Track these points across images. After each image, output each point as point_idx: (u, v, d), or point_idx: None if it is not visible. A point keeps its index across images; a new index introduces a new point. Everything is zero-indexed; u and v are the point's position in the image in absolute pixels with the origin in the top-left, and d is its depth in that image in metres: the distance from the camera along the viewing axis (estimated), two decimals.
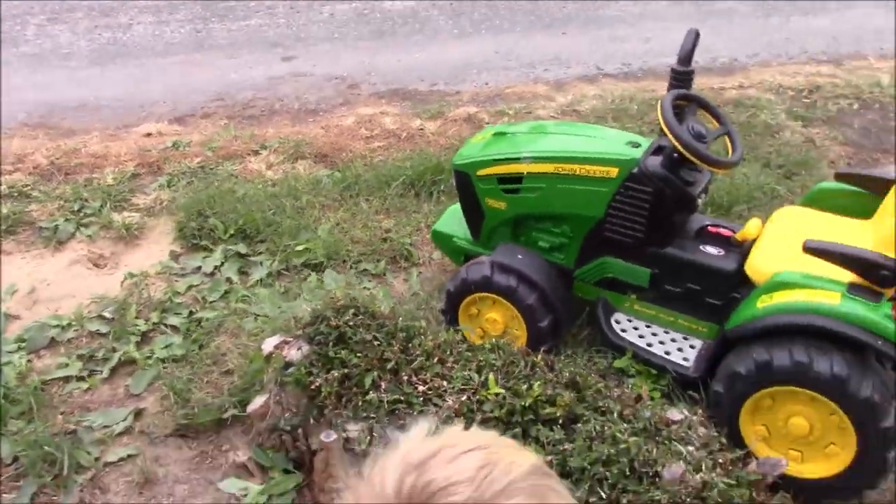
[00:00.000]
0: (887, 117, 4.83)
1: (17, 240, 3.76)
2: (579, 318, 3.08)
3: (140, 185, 4.17)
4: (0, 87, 5.09)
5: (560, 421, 2.45)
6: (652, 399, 2.60)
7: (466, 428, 0.95)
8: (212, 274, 3.55)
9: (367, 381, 2.55)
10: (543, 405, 2.48)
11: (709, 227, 2.90)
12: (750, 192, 3.90)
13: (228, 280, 3.50)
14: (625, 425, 2.41)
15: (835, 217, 2.81)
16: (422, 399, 2.54)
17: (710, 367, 2.69)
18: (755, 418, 2.55)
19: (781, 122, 4.65)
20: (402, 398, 2.53)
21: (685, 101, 2.78)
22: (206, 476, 2.69)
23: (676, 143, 2.60)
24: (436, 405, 2.53)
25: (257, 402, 2.69)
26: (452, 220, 3.31)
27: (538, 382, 2.51)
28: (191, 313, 3.34)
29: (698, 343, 2.85)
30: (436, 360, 2.63)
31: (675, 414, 2.52)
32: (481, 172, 2.97)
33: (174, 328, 3.26)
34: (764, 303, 2.48)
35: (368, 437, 2.48)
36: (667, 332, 2.90)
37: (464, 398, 2.51)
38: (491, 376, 2.53)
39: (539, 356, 2.65)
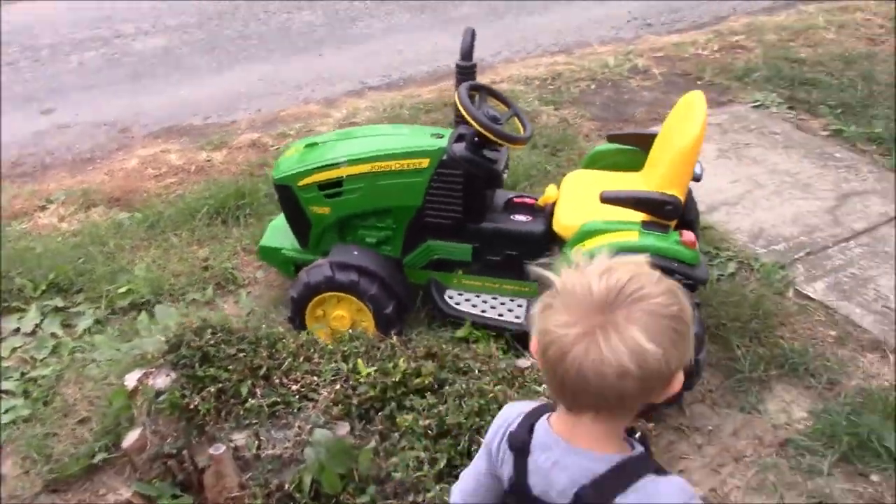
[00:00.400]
0: (620, 92, 5.52)
1: None
2: (415, 302, 3.33)
3: None
4: None
5: (429, 388, 2.71)
6: (502, 354, 2.92)
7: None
8: (33, 333, 3.44)
9: (244, 390, 2.66)
10: (411, 377, 2.72)
11: (514, 199, 3.27)
12: (526, 171, 4.35)
13: (53, 335, 3.41)
14: (487, 378, 2.71)
15: (613, 173, 3.27)
16: (297, 397, 2.69)
17: None
18: None
19: (536, 108, 5.18)
20: (279, 400, 2.67)
21: (475, 91, 3.12)
22: None
23: (478, 127, 2.93)
24: (312, 399, 2.69)
25: (132, 437, 2.69)
26: (276, 233, 3.45)
27: (402, 359, 2.75)
28: (23, 374, 3.23)
29: (524, 301, 3.20)
30: (302, 359, 2.78)
31: (524, 362, 2.85)
32: (302, 182, 3.15)
33: (9, 392, 3.15)
34: (578, 251, 2.87)
35: (256, 442, 2.59)
36: (495, 298, 3.23)
37: (337, 387, 2.70)
38: (359, 361, 2.73)
39: (394, 338, 2.89)
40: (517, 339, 3.08)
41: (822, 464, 2.80)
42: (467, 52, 3.31)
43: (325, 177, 3.13)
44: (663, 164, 2.94)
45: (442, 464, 2.53)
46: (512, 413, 1.39)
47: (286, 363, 2.74)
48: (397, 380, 2.68)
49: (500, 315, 3.15)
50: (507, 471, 1.34)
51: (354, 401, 2.66)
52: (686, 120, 2.93)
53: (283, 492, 2.54)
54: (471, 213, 3.12)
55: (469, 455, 2.56)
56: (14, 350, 3.35)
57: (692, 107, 2.95)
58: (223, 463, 2.56)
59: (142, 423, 2.73)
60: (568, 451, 1.24)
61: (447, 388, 2.69)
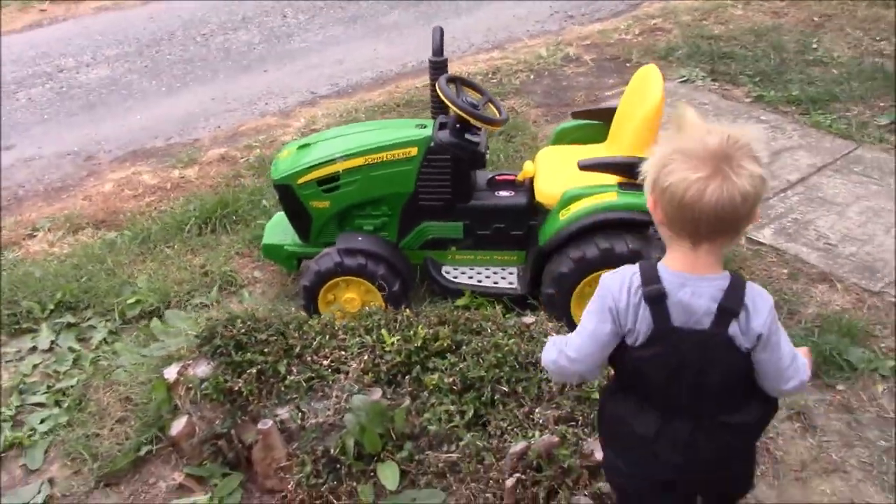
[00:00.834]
0: (557, 79, 5.89)
1: None
2: (416, 280, 3.61)
3: None
4: None
5: (448, 349, 2.99)
6: (506, 314, 3.21)
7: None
8: (50, 349, 3.60)
9: (282, 369, 2.90)
10: (430, 342, 3.00)
11: (496, 177, 3.58)
12: (516, 146, 4.70)
13: (71, 349, 3.57)
14: (500, 335, 3.01)
15: (580, 146, 3.61)
16: (329, 371, 2.94)
17: (532, 282, 3.37)
18: (581, 307, 3.25)
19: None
20: (313, 375, 2.92)
21: (452, 82, 3.41)
22: None
23: (461, 113, 3.23)
24: (344, 371, 2.95)
25: (179, 425, 2.91)
26: (276, 231, 3.69)
27: (420, 326, 3.03)
28: (49, 387, 3.39)
29: (515, 269, 3.52)
30: (328, 336, 3.04)
31: (529, 318, 3.16)
32: (301, 180, 3.40)
33: (41, 405, 3.31)
34: (564, 216, 3.19)
35: (299, 414, 2.84)
36: (488, 269, 3.54)
37: (365, 357, 2.96)
38: (384, 332, 2.99)
39: (407, 311, 3.17)
40: (514, 301, 3.38)
41: None
42: (438, 49, 3.61)
43: (322, 173, 3.38)
44: (629, 131, 3.28)
45: (469, 414, 2.82)
46: (623, 279, 1.77)
47: (315, 342, 2.99)
48: (419, 345, 2.96)
49: (496, 283, 3.45)
50: (644, 324, 1.72)
51: (383, 368, 2.93)
52: (644, 90, 3.28)
53: (329, 456, 2.80)
54: (459, 193, 3.42)
55: (493, 404, 2.86)
56: (35, 366, 3.51)
57: (648, 79, 3.31)
58: (271, 436, 2.80)
59: (186, 410, 2.94)
60: (698, 280, 1.69)
61: (464, 347, 2.98)
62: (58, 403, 3.30)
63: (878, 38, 6.17)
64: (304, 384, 2.88)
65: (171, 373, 2.98)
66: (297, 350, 2.96)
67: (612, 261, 3.09)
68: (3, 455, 3.11)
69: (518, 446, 2.66)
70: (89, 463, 2.99)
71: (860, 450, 2.92)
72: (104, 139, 5.48)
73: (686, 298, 1.69)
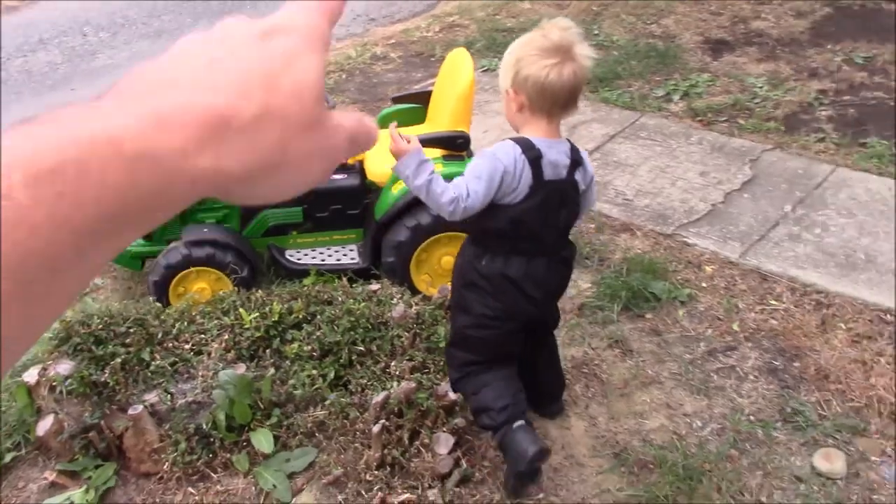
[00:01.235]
0: (368, 77, 6.19)
1: None
2: (263, 265, 3.78)
3: None
4: None
5: (304, 320, 3.21)
6: (352, 285, 3.46)
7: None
8: None
9: (146, 357, 3.02)
10: (286, 316, 3.20)
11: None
12: None
13: None
14: (350, 301, 3.26)
15: (402, 129, 3.90)
16: (192, 353, 3.09)
17: (373, 255, 3.63)
18: (419, 271, 3.56)
19: None
20: (177, 359, 3.06)
21: None
22: None
23: None
24: (206, 352, 3.10)
25: (46, 424, 2.96)
26: None
27: (274, 302, 3.23)
28: None
29: (354, 246, 3.77)
30: (187, 322, 3.18)
31: (374, 285, 3.42)
32: None
33: None
34: (396, 189, 3.48)
35: (169, 396, 2.97)
36: (329, 248, 3.77)
37: (225, 337, 3.13)
38: (242, 310, 3.17)
39: (258, 292, 3.35)
40: (357, 274, 3.63)
41: (612, 315, 3.62)
42: None
43: None
44: (447, 109, 3.61)
45: (331, 376, 3.05)
46: (510, 151, 2.33)
47: (175, 328, 3.13)
48: (276, 320, 3.16)
49: (339, 260, 3.69)
50: (525, 182, 2.31)
51: (244, 344, 3.11)
52: (456, 72, 3.62)
53: (202, 432, 2.95)
54: None
55: (351, 365, 3.10)
56: None
57: (459, 61, 3.65)
58: (142, 420, 2.91)
59: (52, 409, 3.00)
60: (557, 143, 2.32)
61: (319, 317, 3.20)
62: None
63: (649, 22, 6.87)
64: (170, 368, 3.01)
65: (31, 376, 3.02)
66: (159, 337, 3.08)
67: (444, 225, 3.42)
68: None
69: (379, 397, 2.92)
70: None
71: (670, 364, 3.39)
72: None
73: (553, 157, 2.32)
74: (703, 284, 3.81)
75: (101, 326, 3.08)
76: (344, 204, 3.69)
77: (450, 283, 3.47)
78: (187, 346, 3.09)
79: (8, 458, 3.03)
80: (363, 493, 2.83)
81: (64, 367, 3.00)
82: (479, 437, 3.05)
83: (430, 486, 2.85)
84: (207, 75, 0.46)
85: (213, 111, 0.45)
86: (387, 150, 3.67)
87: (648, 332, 3.56)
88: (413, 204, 3.43)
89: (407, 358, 3.09)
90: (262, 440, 2.95)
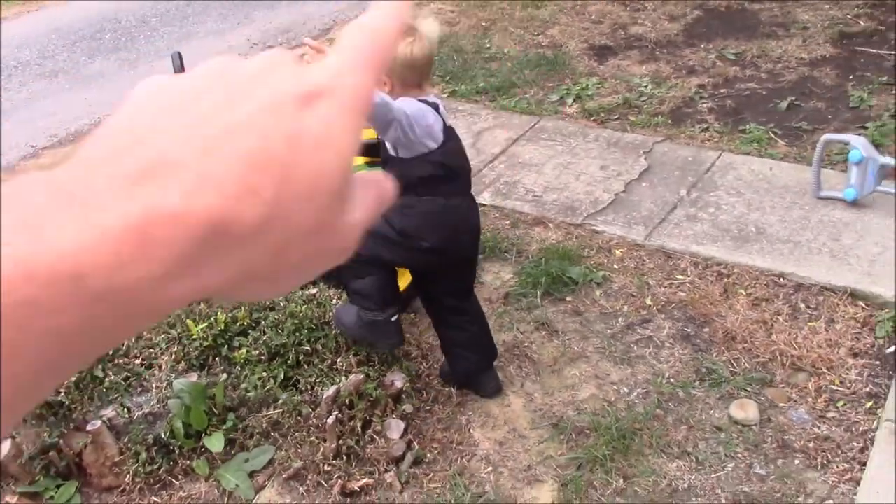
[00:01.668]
0: None
1: None
2: None
3: None
4: None
5: (249, 327, 3.34)
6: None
7: None
8: None
9: (99, 373, 3.10)
10: (231, 324, 3.33)
11: None
12: None
13: None
14: (292, 305, 3.41)
15: None
16: (143, 367, 3.19)
17: None
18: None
19: None
20: (129, 374, 3.15)
21: None
22: None
23: None
24: (157, 365, 3.20)
25: (4, 448, 3.00)
26: None
27: (219, 312, 3.35)
28: None
29: None
30: (135, 338, 3.27)
31: (312, 289, 3.58)
32: None
33: None
34: None
35: (126, 410, 3.06)
36: None
37: (175, 349, 3.24)
38: (189, 322, 3.28)
39: (200, 304, 3.46)
40: None
41: (535, 300, 3.88)
42: (179, 72, 3.91)
43: None
44: None
45: (281, 377, 3.20)
46: (423, 108, 2.71)
47: (124, 345, 3.22)
48: (222, 328, 3.29)
49: None
50: (438, 129, 2.72)
51: (193, 354, 3.22)
52: None
53: (160, 442, 3.05)
54: None
55: (299, 365, 3.25)
56: None
57: None
58: (101, 434, 2.99)
59: (9, 434, 3.04)
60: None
61: (263, 322, 3.35)
62: None
63: (536, 34, 7.24)
64: (123, 383, 3.10)
65: None
66: (109, 355, 3.17)
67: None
68: None
69: (330, 391, 3.09)
70: None
71: (593, 339, 3.66)
72: None
73: (444, 109, 2.88)
74: (615, 266, 4.11)
75: None
76: None
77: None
78: (138, 361, 3.18)
79: None
80: (323, 482, 2.99)
81: None
82: (426, 422, 3.25)
83: (387, 470, 3.03)
84: (217, 157, 0.35)
85: (211, 219, 0.34)
86: None
87: (570, 313, 3.83)
88: None
89: (352, 353, 3.26)
90: (214, 442, 3.06)
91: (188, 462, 3.06)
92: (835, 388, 3.32)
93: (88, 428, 2.96)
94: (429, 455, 3.12)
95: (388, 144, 2.79)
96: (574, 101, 5.95)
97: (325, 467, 3.01)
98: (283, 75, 0.39)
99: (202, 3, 8.91)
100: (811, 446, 3.08)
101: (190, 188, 0.34)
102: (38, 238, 0.32)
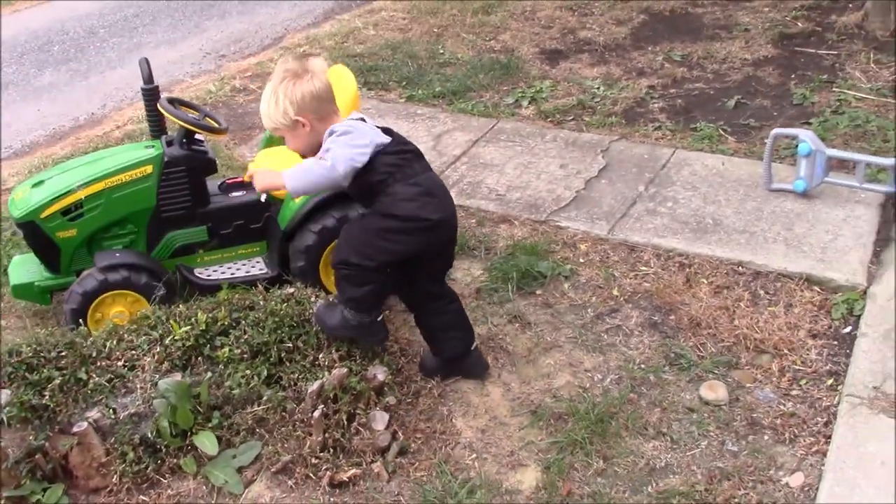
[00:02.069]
0: (233, 108, 6.33)
1: None
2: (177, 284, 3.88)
3: None
4: None
5: (230, 326, 3.37)
6: (268, 290, 3.64)
7: None
8: None
9: (83, 375, 3.10)
10: (212, 324, 3.36)
11: (227, 181, 3.99)
12: (225, 161, 5.07)
13: None
14: (273, 303, 3.44)
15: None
16: (126, 369, 3.20)
17: (281, 263, 3.83)
18: (327, 273, 3.78)
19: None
20: (113, 376, 3.16)
21: (171, 103, 3.77)
22: None
23: (188, 125, 3.63)
24: (140, 366, 3.21)
25: None
26: (21, 271, 3.78)
27: (199, 313, 3.37)
28: None
29: (259, 258, 3.96)
30: (117, 341, 3.27)
31: (290, 288, 3.62)
32: (45, 214, 3.56)
33: None
34: (298, 198, 3.70)
35: (111, 410, 3.07)
36: (235, 263, 3.93)
37: (157, 350, 3.25)
38: (173, 323, 3.29)
39: (180, 306, 3.48)
40: (269, 283, 3.82)
41: (507, 294, 3.98)
42: (148, 77, 3.91)
43: (65, 203, 3.57)
44: (335, 122, 3.87)
45: (264, 374, 3.23)
46: (345, 129, 3.00)
47: (106, 348, 3.22)
48: (203, 329, 3.31)
49: (248, 272, 3.87)
50: (373, 129, 3.08)
51: (176, 354, 3.23)
52: (339, 86, 3.89)
53: (147, 441, 3.07)
54: (198, 199, 3.79)
55: (281, 362, 3.29)
56: None
57: (340, 75, 3.93)
58: (88, 436, 3.00)
59: None
60: None
61: (243, 321, 3.38)
62: None
63: (488, 39, 7.37)
64: (107, 385, 3.11)
65: None
66: (92, 357, 3.17)
67: None
68: None
69: (314, 385, 3.14)
70: None
71: (565, 330, 3.77)
72: None
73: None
74: (581, 260, 4.23)
75: (31, 354, 3.14)
76: (246, 219, 3.87)
77: None
78: (120, 363, 3.19)
79: None
80: (311, 475, 3.04)
81: (2, 396, 3.03)
82: (409, 413, 3.32)
83: (373, 461, 3.09)
84: None
85: None
86: (280, 164, 3.90)
87: (541, 305, 3.93)
88: (316, 210, 3.67)
89: (334, 349, 3.31)
90: (206, 442, 3.09)
91: (175, 460, 3.08)
92: (797, 367, 3.48)
93: (74, 430, 2.97)
94: (413, 445, 3.19)
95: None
96: (529, 103, 6.08)
97: (313, 460, 3.05)
98: None
99: (150, 13, 8.87)
100: (778, 422, 3.22)
101: None
102: None
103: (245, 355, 3.27)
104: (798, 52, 6.58)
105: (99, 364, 3.18)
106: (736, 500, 2.90)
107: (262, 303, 3.44)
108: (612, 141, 5.37)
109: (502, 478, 3.06)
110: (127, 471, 3.01)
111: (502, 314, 3.86)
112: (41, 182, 3.69)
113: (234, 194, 3.92)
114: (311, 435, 3.09)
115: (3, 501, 3.01)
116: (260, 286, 3.58)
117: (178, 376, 3.16)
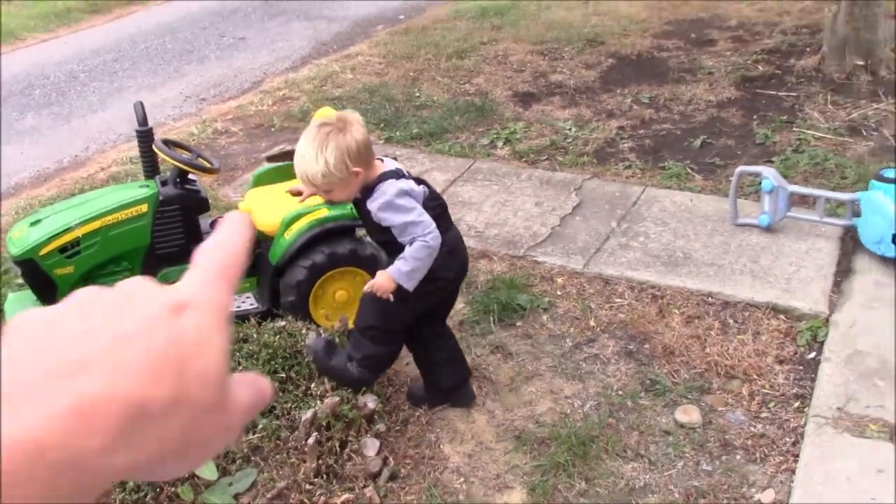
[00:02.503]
0: (216, 150, 6.48)
1: None
2: None
3: None
4: None
5: None
6: (261, 324, 3.78)
7: None
8: None
9: None
10: None
11: (218, 219, 4.12)
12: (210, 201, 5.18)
13: None
14: (265, 336, 3.58)
15: (279, 184, 4.29)
16: None
17: (271, 298, 3.97)
18: (317, 307, 3.93)
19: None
20: None
21: (166, 144, 3.93)
22: None
23: (182, 165, 3.78)
24: None
25: None
26: (18, 309, 3.88)
27: None
28: None
29: (250, 294, 4.09)
30: None
31: (280, 322, 3.76)
32: (43, 252, 3.68)
33: None
34: (288, 235, 3.85)
35: None
36: None
37: None
38: None
39: None
40: (262, 317, 3.95)
41: (489, 326, 4.14)
42: (143, 119, 4.07)
43: (63, 241, 3.70)
44: None
45: None
46: (389, 183, 3.05)
47: None
48: None
49: (239, 307, 4.00)
50: (412, 183, 3.13)
51: None
52: None
53: None
54: (192, 237, 3.93)
55: (275, 391, 3.42)
56: None
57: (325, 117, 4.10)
58: None
59: None
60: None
61: (237, 353, 3.51)
62: None
63: (462, 82, 7.62)
64: None
65: None
66: None
67: (336, 261, 3.82)
68: None
69: (308, 414, 3.27)
70: None
71: (546, 359, 3.94)
72: None
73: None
74: (559, 293, 4.42)
75: None
76: None
77: (348, 314, 3.88)
78: None
79: None
80: (306, 500, 3.16)
81: None
82: (398, 440, 3.45)
83: (365, 486, 3.22)
84: (119, 355, 0.44)
85: (132, 401, 0.43)
86: (270, 203, 4.08)
87: (522, 336, 4.10)
88: (306, 246, 3.82)
89: (326, 379, 3.45)
90: (206, 469, 3.20)
91: (173, 489, 3.19)
92: (766, 391, 3.67)
93: None
94: (403, 470, 3.32)
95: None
96: (504, 144, 6.30)
97: (307, 486, 3.17)
98: (160, 293, 0.50)
99: (130, 58, 9.04)
100: (749, 443, 3.40)
101: (106, 378, 0.43)
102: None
103: None
104: (759, 94, 6.89)
105: None
106: None
107: (255, 335, 3.58)
108: (584, 179, 5.59)
109: (489, 500, 3.20)
110: (126, 499, 3.11)
111: (485, 345, 4.02)
112: (38, 221, 3.81)
113: None
114: (305, 462, 3.22)
115: None
116: (252, 320, 3.72)
117: None
